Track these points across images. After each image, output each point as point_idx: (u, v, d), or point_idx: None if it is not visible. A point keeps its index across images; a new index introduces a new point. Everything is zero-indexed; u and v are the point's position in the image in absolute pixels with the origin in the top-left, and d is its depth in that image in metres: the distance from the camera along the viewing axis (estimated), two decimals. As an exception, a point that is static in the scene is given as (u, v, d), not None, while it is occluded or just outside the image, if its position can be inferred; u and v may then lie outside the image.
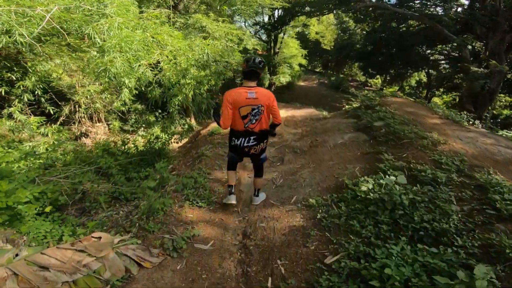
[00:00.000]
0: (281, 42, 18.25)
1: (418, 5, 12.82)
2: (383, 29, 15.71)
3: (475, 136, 4.48)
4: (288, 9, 12.08)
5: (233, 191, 3.05)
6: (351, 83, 25.57)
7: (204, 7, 8.25)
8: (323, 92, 22.62)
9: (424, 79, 23.39)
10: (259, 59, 2.55)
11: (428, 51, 17.49)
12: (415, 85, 24.69)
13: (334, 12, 18.78)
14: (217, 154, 4.96)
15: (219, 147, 5.32)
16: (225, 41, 7.03)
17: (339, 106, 18.21)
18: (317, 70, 30.08)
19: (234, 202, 3.04)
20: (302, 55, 18.54)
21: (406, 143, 3.92)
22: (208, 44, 4.73)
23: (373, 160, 3.74)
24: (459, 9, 12.44)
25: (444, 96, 23.03)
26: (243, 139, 2.69)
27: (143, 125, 8.52)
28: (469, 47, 11.90)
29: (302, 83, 24.31)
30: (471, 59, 11.45)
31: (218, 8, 8.17)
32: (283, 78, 19.23)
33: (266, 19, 16.92)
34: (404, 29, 15.99)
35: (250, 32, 14.64)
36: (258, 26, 15.33)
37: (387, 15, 13.71)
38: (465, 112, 5.69)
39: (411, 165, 3.23)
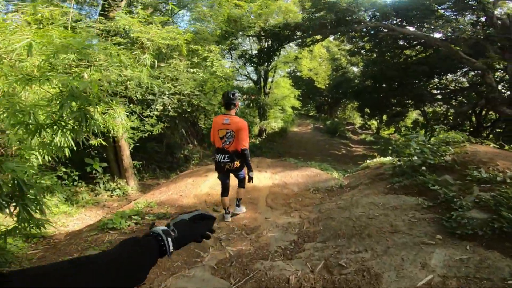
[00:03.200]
0: (272, 81, 16.15)
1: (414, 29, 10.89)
2: (382, 61, 13.76)
3: None
4: (276, 35, 9.82)
5: (227, 211, 3.32)
6: (347, 127, 23.43)
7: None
8: (319, 138, 20.02)
9: (420, 118, 21.44)
10: (233, 92, 3.02)
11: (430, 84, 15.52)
12: (411, 125, 22.70)
13: (326, 44, 17.25)
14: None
15: None
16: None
17: (338, 153, 15.36)
18: (311, 114, 28.17)
19: (229, 220, 3.28)
20: (294, 96, 16.31)
21: None
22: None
23: None
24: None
25: (441, 135, 21.03)
26: (221, 155, 2.99)
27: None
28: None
29: (295, 129, 21.95)
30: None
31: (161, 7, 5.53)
32: (275, 123, 16.65)
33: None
34: (402, 59, 14.15)
35: (231, 61, 12.20)
36: (244, 59, 13.01)
37: (386, 41, 11.69)
38: None
39: None
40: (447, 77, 15.86)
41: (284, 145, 15.51)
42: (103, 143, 3.49)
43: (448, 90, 16.02)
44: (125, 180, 6.25)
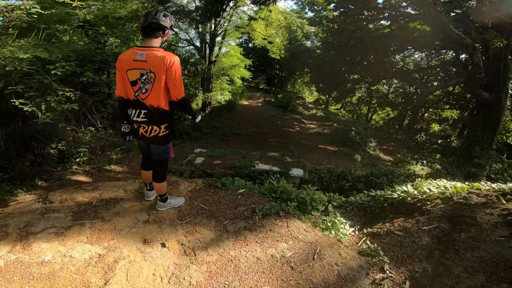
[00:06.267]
0: (220, 49, 13.31)
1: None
2: (346, 31, 12.27)
3: None
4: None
5: (149, 187, 2.49)
6: (298, 101, 22.44)
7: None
8: (270, 112, 18.28)
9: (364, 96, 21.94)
10: (164, 12, 1.95)
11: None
12: (356, 101, 22.84)
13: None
14: None
15: None
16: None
17: (293, 131, 13.85)
18: (261, 87, 26.15)
19: (151, 198, 2.51)
20: (245, 66, 13.95)
21: None
22: None
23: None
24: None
25: (379, 112, 22.09)
26: (134, 111, 2.03)
27: None
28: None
29: (245, 102, 19.62)
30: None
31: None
32: (221, 96, 14.25)
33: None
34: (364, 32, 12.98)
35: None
36: (182, 14, 9.51)
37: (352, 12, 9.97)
38: None
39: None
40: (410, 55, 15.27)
41: (233, 122, 13.13)
42: None
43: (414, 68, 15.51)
44: None
